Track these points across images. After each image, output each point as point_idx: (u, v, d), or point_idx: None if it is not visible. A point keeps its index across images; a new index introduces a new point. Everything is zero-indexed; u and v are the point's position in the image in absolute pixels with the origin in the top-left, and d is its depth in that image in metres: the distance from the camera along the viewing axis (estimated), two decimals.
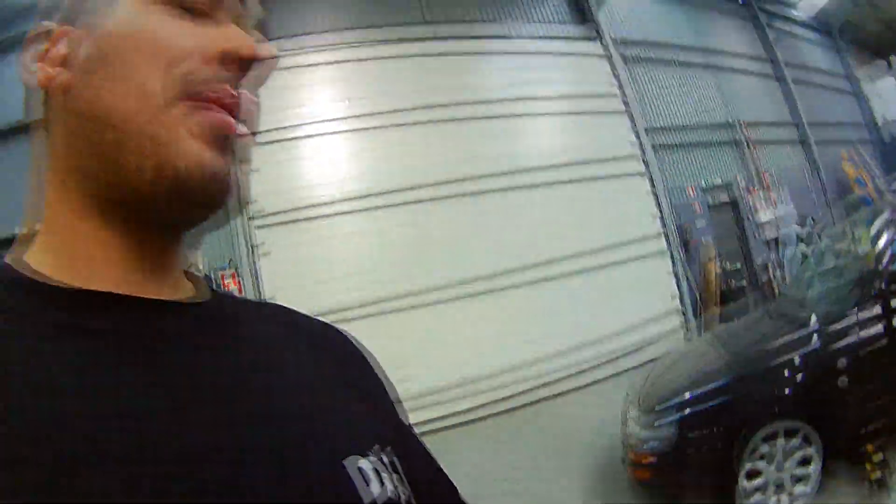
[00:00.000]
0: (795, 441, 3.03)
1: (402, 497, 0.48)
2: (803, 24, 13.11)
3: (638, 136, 8.61)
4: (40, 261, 0.44)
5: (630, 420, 3.42)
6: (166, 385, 0.41)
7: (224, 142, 0.45)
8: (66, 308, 0.41)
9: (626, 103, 8.65)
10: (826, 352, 3.09)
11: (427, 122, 7.42)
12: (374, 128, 7.31)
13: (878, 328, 3.07)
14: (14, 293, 0.41)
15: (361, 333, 0.64)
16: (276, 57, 0.49)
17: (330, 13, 7.68)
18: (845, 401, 3.00)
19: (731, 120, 9.95)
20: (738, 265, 8.92)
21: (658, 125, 9.04)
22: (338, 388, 0.53)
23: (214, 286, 0.56)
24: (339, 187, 7.11)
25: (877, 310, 3.10)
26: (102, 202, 0.44)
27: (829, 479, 3.14)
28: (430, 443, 0.61)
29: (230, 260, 6.84)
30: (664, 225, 8.44)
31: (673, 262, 8.34)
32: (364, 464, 0.46)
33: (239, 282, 6.77)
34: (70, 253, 0.44)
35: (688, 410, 3.13)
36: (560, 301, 7.28)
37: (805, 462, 3.06)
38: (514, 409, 6.68)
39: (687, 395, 3.22)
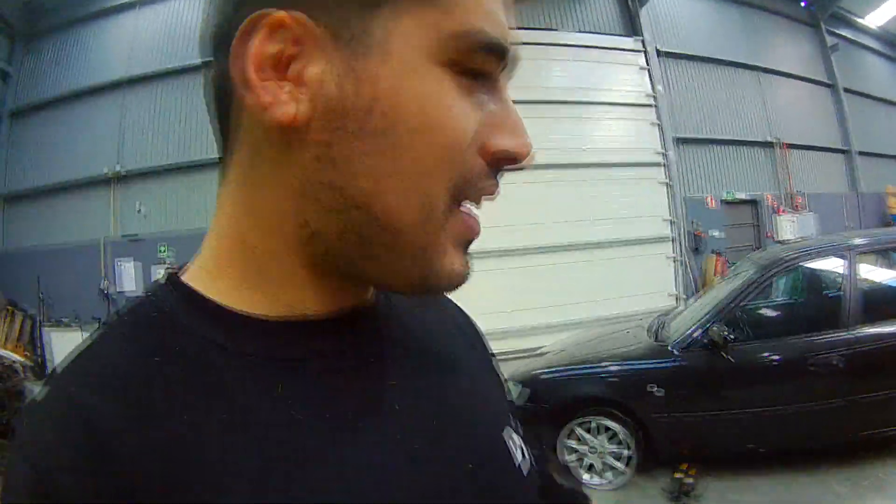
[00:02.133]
0: (607, 435, 3.78)
1: (532, 467, 0.51)
2: (871, 34, 12.75)
3: (664, 145, 9.09)
4: (229, 293, 0.41)
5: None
6: (376, 401, 0.42)
7: (469, 244, 0.43)
8: (276, 341, 0.40)
9: (658, 113, 9.13)
10: (651, 368, 3.82)
11: None
12: None
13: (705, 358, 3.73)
14: (222, 327, 0.39)
15: None
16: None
17: None
18: (658, 412, 3.68)
19: (770, 139, 10.16)
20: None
21: (690, 136, 9.46)
22: (485, 366, 0.56)
23: None
24: None
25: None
26: (329, 267, 0.41)
27: (644, 478, 3.78)
28: None
29: None
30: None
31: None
32: (512, 435, 0.50)
33: None
34: (266, 293, 0.41)
35: (540, 382, 4.03)
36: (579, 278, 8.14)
37: (618, 457, 3.78)
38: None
39: (549, 370, 4.12)
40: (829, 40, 11.47)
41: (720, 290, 4.30)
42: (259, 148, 0.39)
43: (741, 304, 3.93)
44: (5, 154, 9.74)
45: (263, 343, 0.40)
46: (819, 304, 4.29)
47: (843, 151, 11.22)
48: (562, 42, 8.81)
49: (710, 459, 3.80)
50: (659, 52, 9.35)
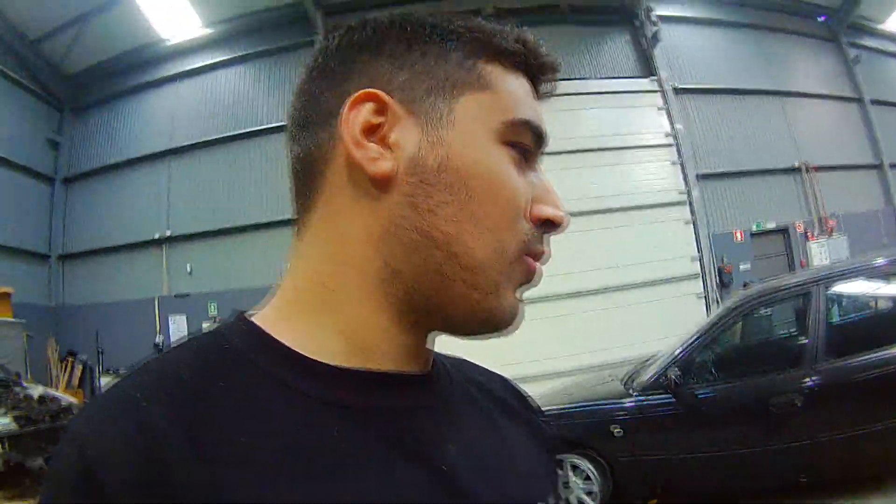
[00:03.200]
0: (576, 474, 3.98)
1: None
2: (894, 39, 12.31)
3: (687, 183, 9.20)
4: (301, 334, 0.44)
5: None
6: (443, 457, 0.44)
7: (525, 285, 0.49)
8: (343, 387, 0.43)
9: (679, 151, 9.25)
10: (612, 410, 4.01)
11: None
12: None
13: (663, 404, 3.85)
14: (290, 368, 0.42)
15: None
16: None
17: None
18: (621, 453, 3.86)
19: (798, 164, 10.08)
20: None
21: (714, 171, 9.52)
22: (528, 440, 0.57)
23: None
24: None
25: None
26: (403, 304, 0.46)
27: None
28: None
29: None
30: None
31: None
32: None
33: None
34: (339, 333, 0.45)
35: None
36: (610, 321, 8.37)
37: (588, 492, 3.97)
38: None
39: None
40: (851, 53, 11.23)
41: (691, 332, 4.29)
42: (347, 196, 0.46)
43: (700, 345, 3.98)
44: (62, 216, 10.49)
45: (325, 387, 0.42)
46: (780, 343, 4.32)
47: (874, 167, 10.98)
48: (581, 91, 9.01)
49: (680, 500, 3.89)
50: (676, 90, 9.46)
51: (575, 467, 4.05)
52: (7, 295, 8.73)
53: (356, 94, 0.45)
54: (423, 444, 0.44)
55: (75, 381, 9.80)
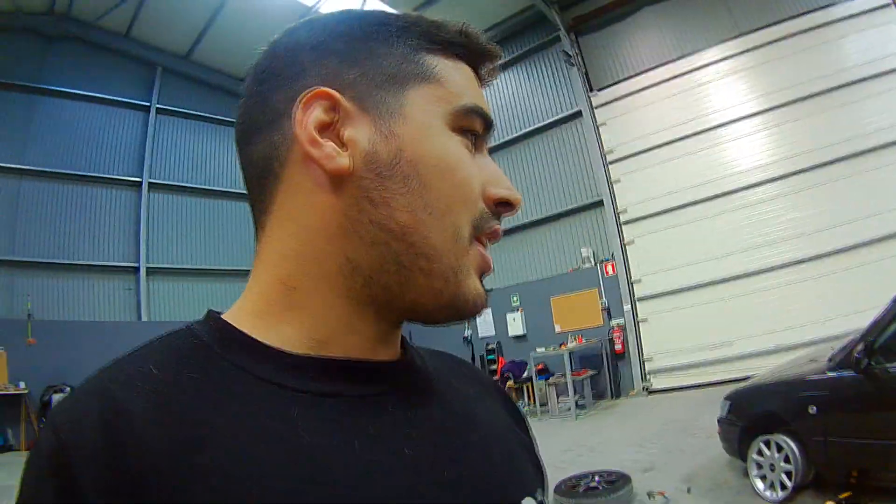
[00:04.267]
0: (781, 453, 3.96)
1: None
2: None
3: None
4: (267, 330, 0.46)
5: None
6: (411, 443, 0.45)
7: (484, 273, 0.50)
8: (308, 376, 0.44)
9: None
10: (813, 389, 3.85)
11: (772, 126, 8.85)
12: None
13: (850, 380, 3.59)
14: (257, 358, 0.44)
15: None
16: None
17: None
18: (816, 434, 3.73)
19: None
20: None
21: None
22: (510, 434, 0.58)
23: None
24: (689, 191, 9.31)
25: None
26: (364, 297, 0.47)
27: (809, 498, 3.81)
28: None
29: (612, 253, 10.09)
30: None
31: None
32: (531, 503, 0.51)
33: (615, 267, 10.02)
34: (304, 329, 0.46)
35: (736, 396, 4.56)
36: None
37: (789, 474, 3.88)
38: None
39: (746, 388, 4.61)
40: None
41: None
42: (305, 195, 0.47)
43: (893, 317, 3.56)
44: None
45: (289, 374, 0.43)
46: None
47: None
48: (810, 26, 8.52)
49: (883, 490, 3.52)
50: None
51: (779, 448, 3.98)
52: None
53: (308, 93, 0.46)
54: (388, 429, 0.45)
55: None
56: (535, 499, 0.51)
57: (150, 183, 11.40)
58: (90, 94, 10.88)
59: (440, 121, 0.48)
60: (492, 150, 0.54)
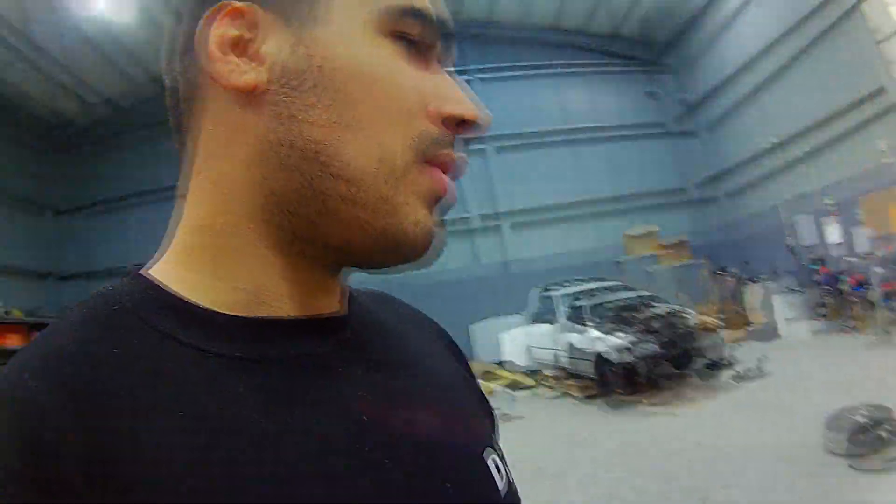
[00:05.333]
0: None
1: (511, 488, 0.49)
2: None
3: None
4: (195, 286, 0.41)
5: None
6: (346, 407, 0.41)
7: (437, 202, 0.44)
8: (241, 339, 0.40)
9: None
10: None
11: None
12: None
13: None
14: (185, 323, 0.39)
15: None
16: (489, 121, 0.45)
17: None
18: None
19: None
20: None
21: None
22: (464, 383, 0.55)
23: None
24: None
25: None
26: (290, 235, 0.42)
27: None
28: None
29: None
30: None
31: None
32: (493, 456, 0.48)
33: None
34: (234, 280, 0.42)
35: None
36: None
37: None
38: None
39: None
40: None
41: None
42: (219, 123, 0.42)
43: None
44: None
45: (223, 341, 0.39)
46: None
47: None
48: None
49: None
50: None
51: None
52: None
53: (210, 10, 0.41)
54: (339, 393, 0.41)
55: (726, 294, 12.04)
56: (494, 449, 0.49)
57: None
58: None
59: (368, 24, 0.41)
60: None
